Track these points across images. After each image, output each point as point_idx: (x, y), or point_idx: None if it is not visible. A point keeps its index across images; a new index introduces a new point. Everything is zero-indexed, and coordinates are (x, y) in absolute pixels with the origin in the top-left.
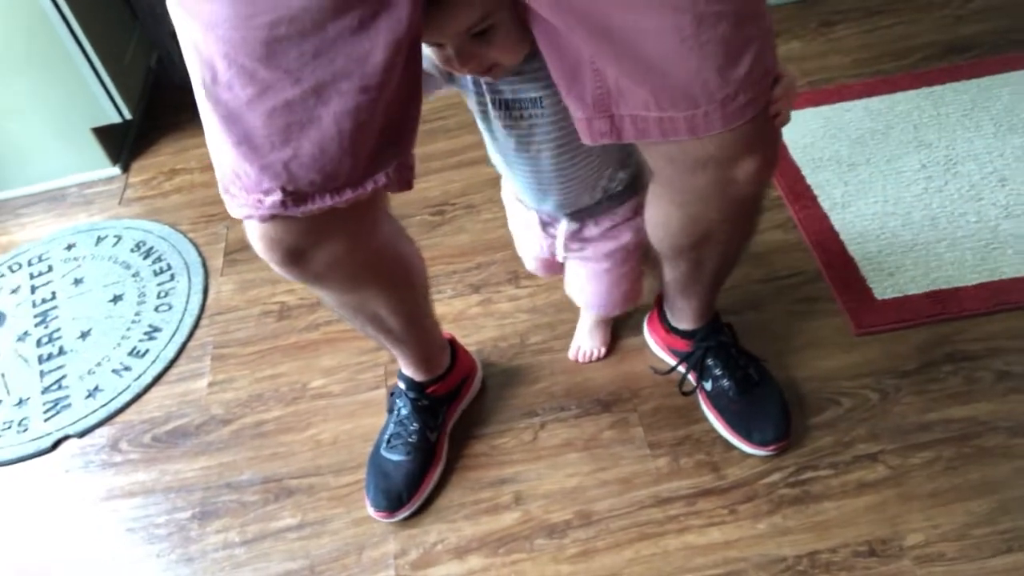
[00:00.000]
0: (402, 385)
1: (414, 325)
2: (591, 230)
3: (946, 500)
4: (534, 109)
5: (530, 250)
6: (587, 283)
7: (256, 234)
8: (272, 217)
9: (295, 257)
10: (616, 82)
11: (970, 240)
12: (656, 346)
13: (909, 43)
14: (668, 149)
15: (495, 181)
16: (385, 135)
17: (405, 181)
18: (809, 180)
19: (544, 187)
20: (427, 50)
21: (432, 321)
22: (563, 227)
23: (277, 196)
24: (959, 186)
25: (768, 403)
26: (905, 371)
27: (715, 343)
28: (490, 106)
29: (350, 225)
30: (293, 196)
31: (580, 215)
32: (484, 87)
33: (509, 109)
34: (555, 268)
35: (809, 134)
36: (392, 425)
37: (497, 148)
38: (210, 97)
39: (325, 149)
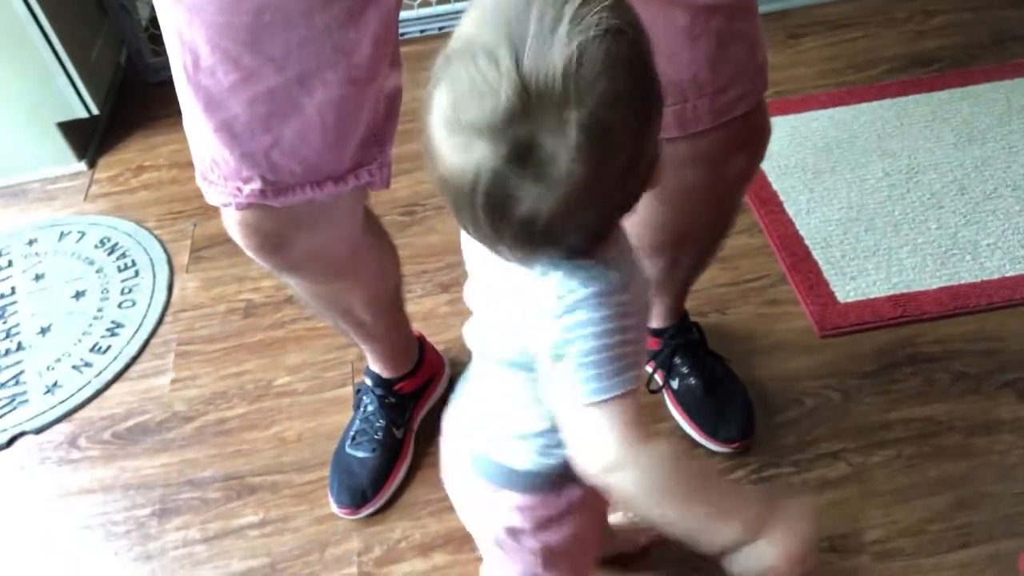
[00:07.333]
0: (369, 381)
1: (386, 319)
2: None
3: (905, 497)
4: None
5: None
6: None
7: (233, 221)
8: (250, 206)
9: (274, 245)
10: None
11: (931, 246)
12: None
13: (873, 56)
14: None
15: None
16: (369, 130)
17: (385, 179)
18: (775, 186)
19: None
20: None
21: (403, 317)
22: None
23: (257, 185)
24: (920, 194)
25: (733, 402)
26: (866, 372)
27: (684, 341)
28: None
29: (332, 217)
30: (273, 186)
31: None
32: None
33: None
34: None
35: (776, 142)
36: (358, 422)
37: None
38: (191, 82)
39: (307, 140)
